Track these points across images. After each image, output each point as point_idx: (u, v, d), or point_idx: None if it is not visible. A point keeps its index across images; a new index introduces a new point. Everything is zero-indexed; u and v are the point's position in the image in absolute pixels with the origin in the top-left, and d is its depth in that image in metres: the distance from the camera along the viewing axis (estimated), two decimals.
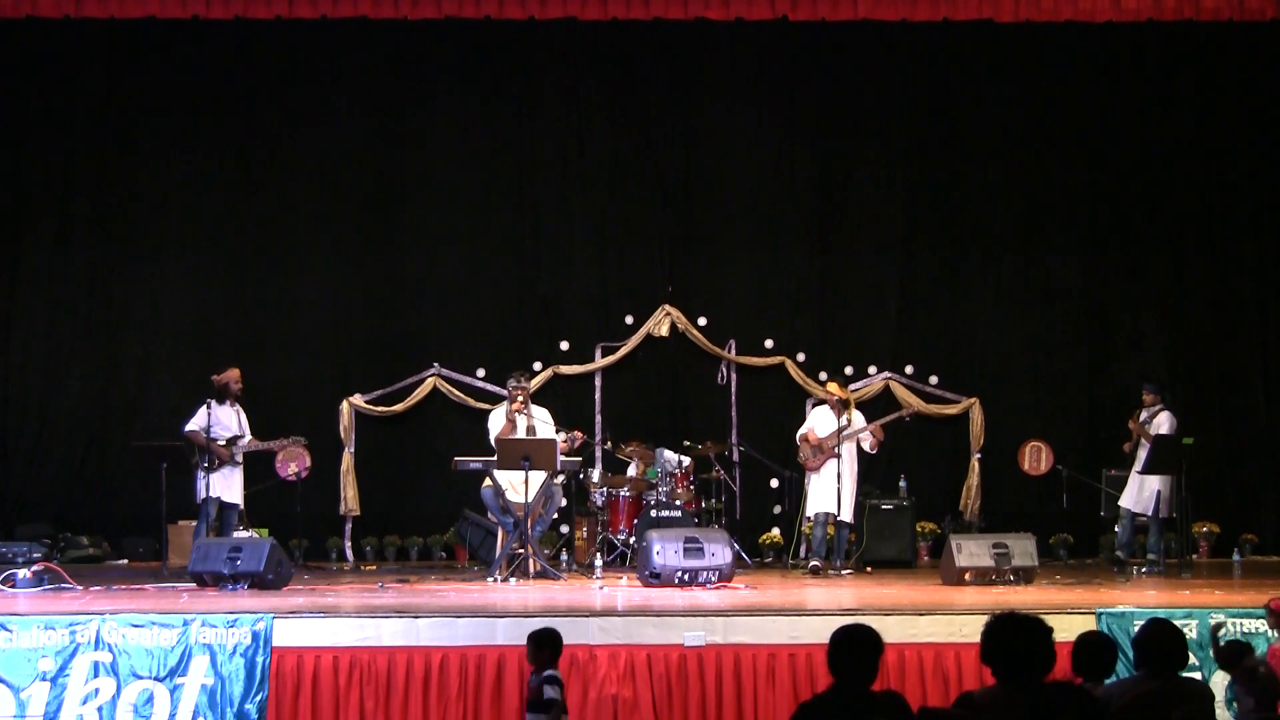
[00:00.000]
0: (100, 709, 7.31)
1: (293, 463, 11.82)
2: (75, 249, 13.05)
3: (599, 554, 11.00)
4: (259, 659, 7.37)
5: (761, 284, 13.12)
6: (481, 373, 12.79)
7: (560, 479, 10.93)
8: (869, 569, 11.24)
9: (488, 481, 10.44)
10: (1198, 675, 7.21)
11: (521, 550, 10.25)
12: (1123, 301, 13.18)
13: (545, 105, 13.16)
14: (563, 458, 10.27)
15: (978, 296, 13.18)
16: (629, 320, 12.90)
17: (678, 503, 11.28)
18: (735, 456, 12.62)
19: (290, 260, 13.08)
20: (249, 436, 10.67)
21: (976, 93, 13.23)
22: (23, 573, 9.42)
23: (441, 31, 12.99)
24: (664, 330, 12.82)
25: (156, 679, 7.36)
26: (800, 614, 7.80)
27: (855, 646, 4.69)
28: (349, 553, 12.52)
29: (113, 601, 8.52)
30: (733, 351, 12.91)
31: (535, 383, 12.09)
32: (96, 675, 7.36)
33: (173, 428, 10.92)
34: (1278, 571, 11.20)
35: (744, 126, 13.21)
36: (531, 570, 10.23)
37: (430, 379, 12.76)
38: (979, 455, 12.75)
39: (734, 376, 12.93)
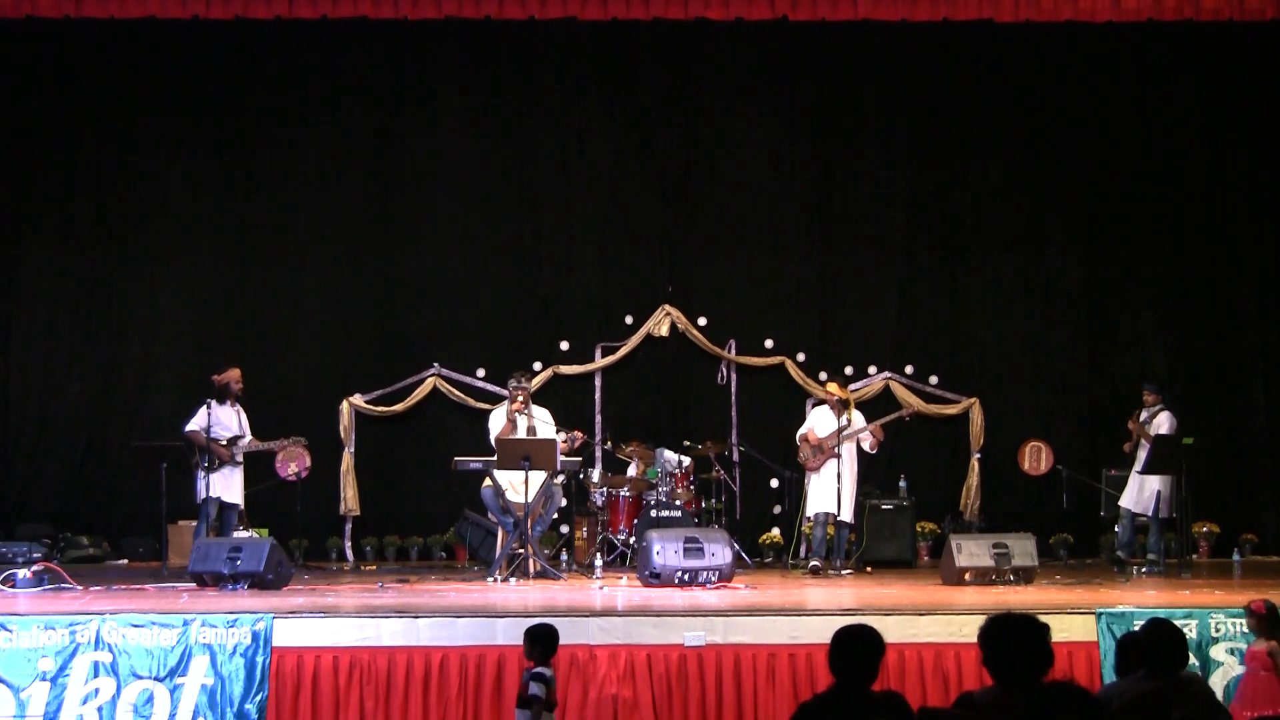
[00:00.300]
0: (100, 709, 7.31)
1: (293, 463, 11.82)
2: (75, 249, 13.05)
3: (599, 554, 11.00)
4: (259, 659, 7.37)
5: (761, 284, 13.12)
6: (481, 373, 12.80)
7: (560, 479, 10.93)
8: (869, 569, 11.24)
9: (488, 481, 10.44)
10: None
11: (521, 550, 10.25)
12: (1123, 301, 13.18)
13: (545, 105, 13.16)
14: (563, 458, 10.27)
15: (978, 296, 13.18)
16: (629, 320, 12.90)
17: (678, 503, 11.28)
18: (735, 456, 12.63)
19: (290, 260, 13.08)
20: (249, 436, 10.67)
21: (976, 93, 13.23)
22: (23, 573, 9.42)
23: (441, 31, 12.99)
24: (664, 330, 12.82)
25: (156, 679, 7.36)
26: (800, 614, 7.79)
27: (857, 646, 4.69)
28: (349, 553, 12.52)
29: (113, 601, 8.52)
30: (733, 351, 12.91)
31: (535, 383, 12.08)
32: (96, 675, 7.36)
33: (173, 428, 10.93)
34: (1278, 571, 11.20)
35: (744, 126, 13.21)
36: (531, 570, 10.23)
37: (430, 379, 12.76)
38: (979, 455, 12.75)
39: (734, 376, 12.93)
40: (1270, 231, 13.21)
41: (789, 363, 12.88)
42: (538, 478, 10.05)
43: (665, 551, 9.40)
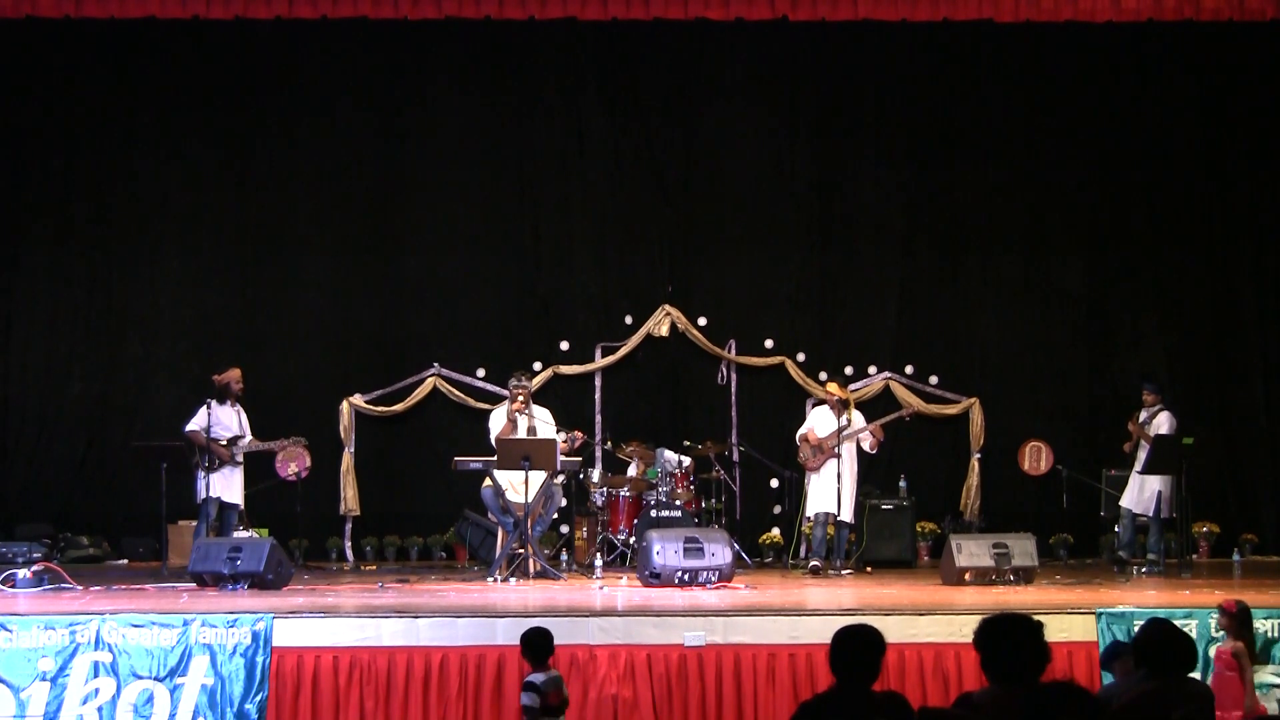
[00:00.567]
0: (100, 709, 7.31)
1: (293, 463, 11.82)
2: (75, 249, 13.05)
3: (599, 554, 11.00)
4: (259, 659, 7.37)
5: (761, 284, 13.12)
6: (481, 373, 12.80)
7: (560, 479, 10.93)
8: (869, 569, 11.24)
9: (488, 481, 10.44)
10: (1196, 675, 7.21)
11: (521, 550, 10.25)
12: (1123, 301, 13.18)
13: (545, 105, 13.15)
14: (563, 458, 10.26)
15: (978, 296, 13.18)
16: (629, 320, 12.90)
17: (678, 503, 11.28)
18: (735, 456, 12.63)
19: (290, 260, 13.08)
20: (249, 436, 10.67)
21: (976, 93, 13.23)
22: (23, 573, 9.42)
23: (441, 31, 12.99)
24: (664, 330, 12.82)
25: (156, 679, 7.36)
26: (800, 614, 7.80)
27: (858, 646, 4.69)
28: (349, 553, 12.52)
29: (113, 601, 8.52)
30: (733, 351, 12.91)
31: (536, 383, 12.07)
32: (96, 675, 7.36)
33: (173, 428, 10.92)
34: (1278, 571, 11.20)
35: (744, 126, 13.21)
36: (531, 570, 10.23)
37: (430, 379, 12.76)
38: (979, 455, 12.75)
39: (734, 376, 12.93)
40: (1270, 231, 13.21)
41: (789, 363, 12.88)
42: (538, 478, 10.05)
43: (665, 551, 9.40)
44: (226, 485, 10.49)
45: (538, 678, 6.45)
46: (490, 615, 7.76)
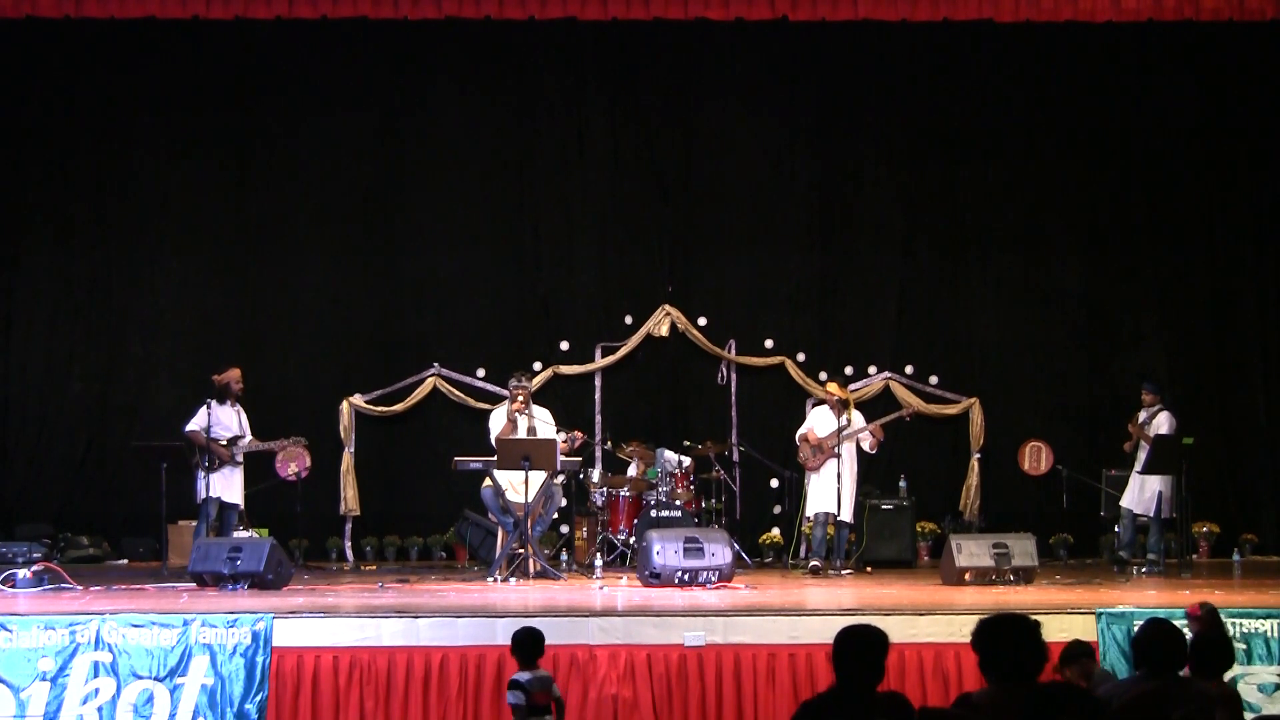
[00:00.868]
0: (100, 709, 7.31)
1: (293, 463, 11.82)
2: (75, 249, 13.06)
3: (599, 554, 11.00)
4: (259, 659, 7.37)
5: (761, 284, 13.12)
6: (481, 373, 12.80)
7: (560, 479, 10.93)
8: (869, 569, 11.24)
9: (488, 481, 10.44)
10: None
11: (521, 550, 10.25)
12: (1123, 301, 13.18)
13: (545, 105, 13.16)
14: (563, 458, 10.26)
15: (978, 296, 13.18)
16: (629, 320, 12.90)
17: (678, 503, 11.28)
18: (735, 456, 12.62)
19: (290, 260, 13.08)
20: (249, 436, 10.67)
21: (976, 93, 13.23)
22: (23, 573, 9.42)
23: (441, 31, 13.00)
24: (664, 330, 12.82)
25: (156, 679, 7.36)
26: (800, 614, 7.79)
27: (861, 646, 4.68)
28: (349, 553, 12.52)
29: (113, 601, 8.52)
30: (733, 351, 12.91)
31: (536, 383, 12.07)
32: (96, 675, 7.36)
33: (173, 428, 10.92)
34: (1278, 571, 11.20)
35: (744, 126, 13.21)
36: (531, 570, 10.23)
37: (430, 379, 12.77)
38: (979, 455, 12.75)
39: (734, 376, 12.93)
40: (1270, 231, 13.21)
41: (789, 363, 12.88)
42: (538, 478, 10.05)
43: (665, 551, 9.40)
44: (226, 485, 10.49)
45: (523, 676, 6.43)
46: (490, 615, 7.76)
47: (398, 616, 7.67)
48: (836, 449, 10.84)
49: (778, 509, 12.71)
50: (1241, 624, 7.53)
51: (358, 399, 12.68)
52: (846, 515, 10.85)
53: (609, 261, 13.10)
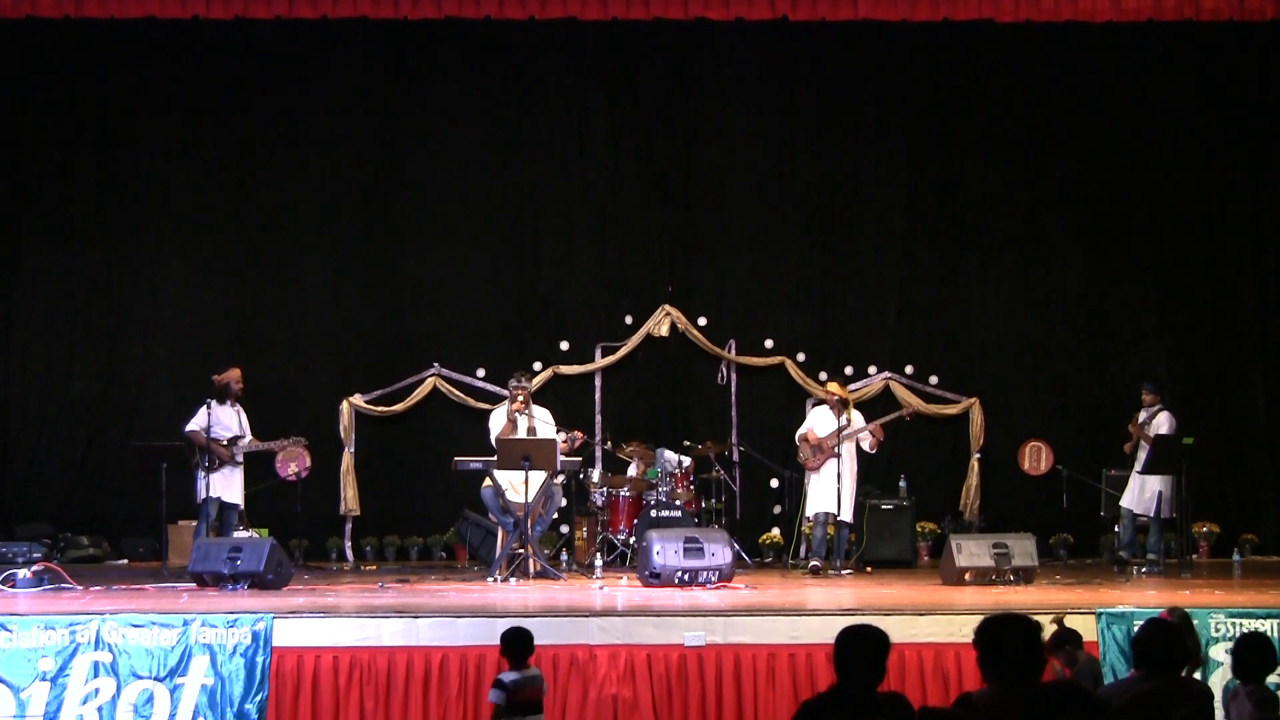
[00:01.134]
0: (100, 709, 7.31)
1: (293, 463, 11.82)
2: (75, 249, 13.05)
3: (599, 554, 11.00)
4: (259, 659, 7.37)
5: (761, 284, 13.12)
6: (481, 373, 12.80)
7: (560, 479, 10.93)
8: (869, 569, 11.24)
9: (488, 481, 10.44)
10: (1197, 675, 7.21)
11: (521, 550, 10.25)
12: (1123, 301, 13.18)
13: (545, 105, 13.16)
14: (563, 458, 10.27)
15: (978, 296, 13.18)
16: (629, 320, 12.90)
17: (678, 503, 11.28)
18: (735, 456, 12.63)
19: (290, 260, 13.09)
20: (249, 436, 10.67)
21: (976, 93, 13.23)
22: (23, 573, 9.42)
23: (441, 31, 13.00)
24: (664, 330, 12.82)
25: (156, 679, 7.36)
26: (800, 614, 7.80)
27: (862, 646, 4.68)
28: (349, 553, 12.52)
29: (113, 601, 8.52)
30: (733, 351, 12.91)
31: (536, 383, 12.07)
32: (96, 675, 7.36)
33: (173, 428, 10.93)
34: (1278, 571, 11.20)
35: (744, 126, 13.21)
36: (531, 570, 10.23)
37: (430, 379, 12.77)
38: (979, 455, 12.75)
39: (734, 376, 12.93)
40: (1270, 231, 13.22)
41: (789, 363, 12.88)
42: (538, 478, 10.05)
43: (665, 551, 9.40)
44: (226, 485, 10.49)
45: (508, 676, 6.42)
46: (490, 615, 7.76)
47: (398, 616, 7.67)
48: (836, 449, 10.84)
49: (778, 509, 12.72)
50: (1241, 624, 7.53)
51: (358, 399, 12.68)
52: (846, 515, 10.85)
53: (609, 261, 13.10)
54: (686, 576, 9.33)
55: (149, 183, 13.06)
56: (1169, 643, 5.26)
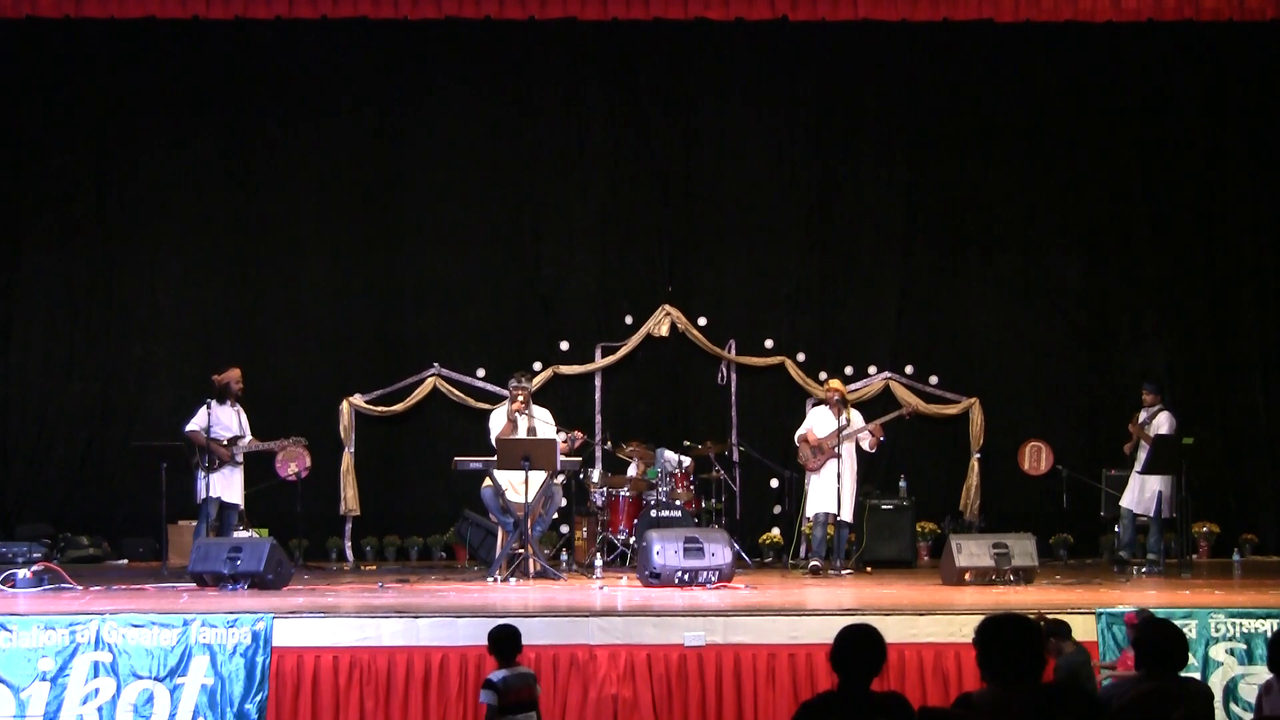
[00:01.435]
0: (100, 709, 7.32)
1: (293, 463, 11.82)
2: (75, 249, 13.05)
3: (599, 554, 11.00)
4: (259, 659, 7.38)
5: (761, 284, 13.12)
6: (481, 373, 12.80)
7: (560, 479, 10.93)
8: (869, 569, 11.24)
9: (488, 481, 10.44)
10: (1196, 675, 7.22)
11: (521, 550, 10.25)
12: (1123, 301, 13.18)
13: (545, 105, 13.16)
14: (563, 458, 10.27)
15: (978, 296, 13.18)
16: (629, 320, 12.90)
17: (678, 503, 11.28)
18: (735, 456, 12.63)
19: (290, 260, 13.09)
20: (249, 436, 10.67)
21: (976, 93, 13.22)
22: (23, 573, 9.43)
23: (441, 31, 13.00)
24: (664, 330, 12.82)
25: (156, 679, 7.37)
26: (800, 614, 7.80)
27: (860, 646, 4.69)
28: (349, 553, 12.52)
29: (113, 601, 8.52)
30: (733, 351, 12.91)
31: (536, 383, 12.07)
32: (96, 675, 7.37)
33: (173, 428, 10.93)
34: (1278, 571, 11.20)
35: (744, 126, 13.21)
36: (531, 570, 10.23)
37: (430, 379, 12.76)
38: (979, 455, 12.75)
39: (734, 376, 12.93)
40: (1270, 231, 13.21)
41: (789, 363, 12.88)
42: (538, 478, 10.05)
43: (665, 551, 9.40)
44: (226, 485, 10.49)
45: (497, 675, 6.41)
46: (490, 615, 7.75)
47: (398, 616, 7.67)
48: (836, 449, 10.84)
49: (778, 509, 12.71)
50: (1241, 624, 7.53)
51: (358, 399, 12.68)
52: (846, 515, 10.85)
53: (609, 261, 13.10)
54: (686, 576, 9.33)
55: (149, 183, 13.05)
56: (1169, 643, 5.27)
